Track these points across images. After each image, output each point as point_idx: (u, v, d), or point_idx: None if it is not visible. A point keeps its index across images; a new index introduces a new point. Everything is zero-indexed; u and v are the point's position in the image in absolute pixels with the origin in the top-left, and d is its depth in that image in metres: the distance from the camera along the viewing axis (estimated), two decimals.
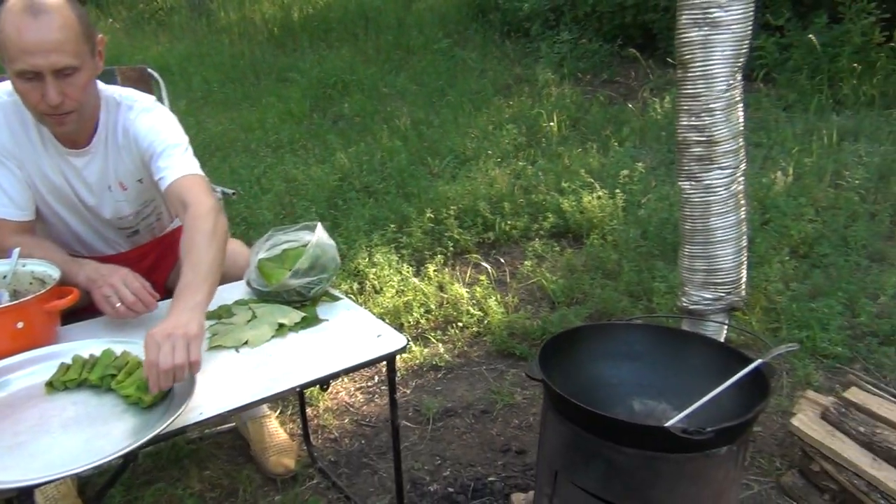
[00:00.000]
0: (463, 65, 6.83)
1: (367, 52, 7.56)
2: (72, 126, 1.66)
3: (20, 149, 1.72)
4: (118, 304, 1.58)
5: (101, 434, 1.29)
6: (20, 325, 1.49)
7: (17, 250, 1.67)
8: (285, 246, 1.87)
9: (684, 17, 1.78)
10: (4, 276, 1.64)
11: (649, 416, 1.72)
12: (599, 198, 3.61)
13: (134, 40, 8.81)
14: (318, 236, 1.79)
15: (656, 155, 4.49)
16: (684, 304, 1.89)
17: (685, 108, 1.80)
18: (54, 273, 1.62)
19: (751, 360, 1.53)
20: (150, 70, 2.56)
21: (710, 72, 1.76)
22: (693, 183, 1.81)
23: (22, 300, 1.51)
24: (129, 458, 1.24)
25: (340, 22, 8.38)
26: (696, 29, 1.76)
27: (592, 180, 3.79)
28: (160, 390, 1.32)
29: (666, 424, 1.47)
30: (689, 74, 1.79)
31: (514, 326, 2.77)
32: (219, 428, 2.29)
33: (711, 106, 1.76)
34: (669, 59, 6.48)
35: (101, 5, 10.88)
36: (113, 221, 1.91)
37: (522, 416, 2.38)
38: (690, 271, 1.87)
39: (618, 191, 3.71)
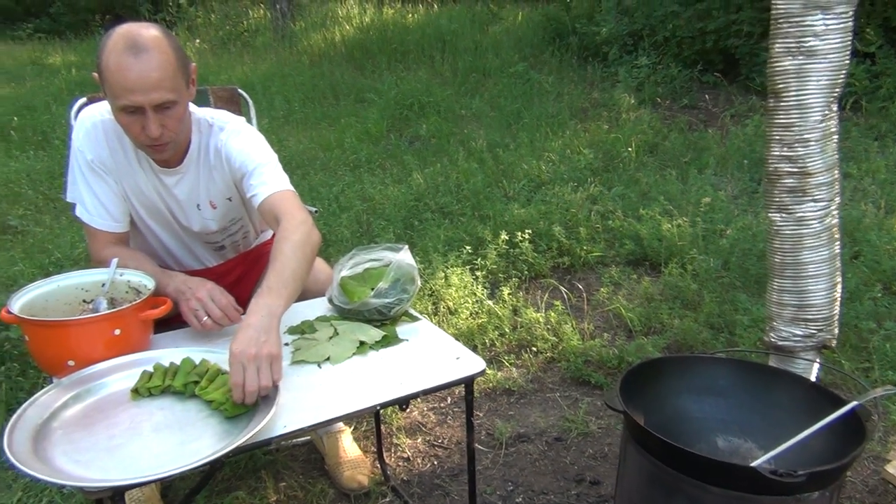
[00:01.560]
0: (539, 88, 6.84)
1: (443, 75, 7.66)
2: (169, 153, 1.74)
3: (118, 165, 1.81)
4: (205, 318, 1.63)
5: (190, 438, 1.33)
6: (117, 331, 1.55)
7: (115, 260, 1.75)
8: (368, 265, 1.89)
9: (777, 45, 1.74)
10: (103, 285, 1.72)
11: (734, 455, 1.67)
12: (679, 226, 3.54)
13: (220, 60, 9.15)
14: (401, 257, 1.81)
15: (738, 183, 4.38)
16: (772, 340, 1.83)
17: (777, 138, 1.76)
18: (149, 283, 1.69)
19: (845, 402, 1.47)
20: (240, 91, 2.66)
21: (804, 102, 1.71)
22: (784, 215, 1.76)
23: (120, 308, 1.58)
24: (216, 465, 1.27)
25: (418, 44, 8.52)
26: (791, 58, 1.71)
27: (672, 207, 3.72)
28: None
29: (753, 464, 1.43)
30: (782, 104, 1.74)
31: (589, 354, 2.74)
32: (294, 440, 2.33)
33: (805, 136, 1.71)
34: (752, 85, 6.35)
35: (191, 28, 11.36)
36: (201, 236, 1.99)
37: (597, 445, 2.34)
38: (779, 306, 1.81)
39: (698, 219, 3.63)
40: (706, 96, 6.54)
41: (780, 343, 1.81)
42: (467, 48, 8.20)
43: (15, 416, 1.33)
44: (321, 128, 6.06)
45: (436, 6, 11.07)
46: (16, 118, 6.39)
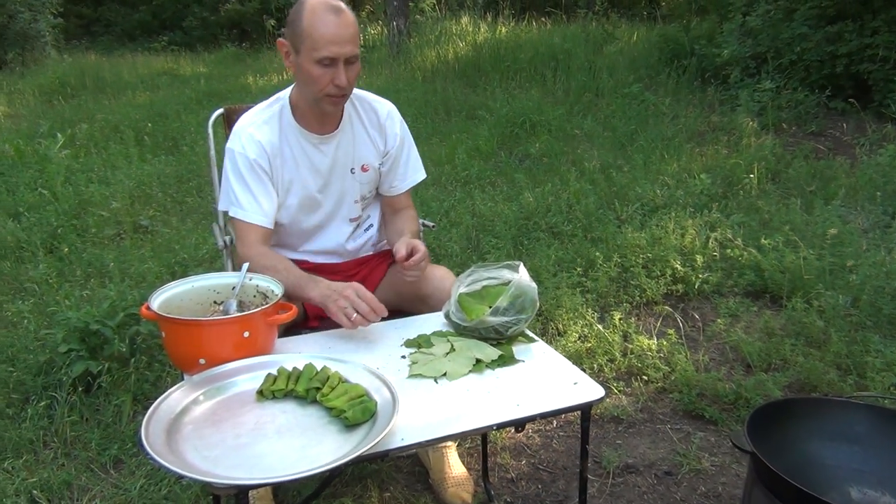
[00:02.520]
0: (654, 110, 6.69)
1: (555, 94, 7.62)
2: (342, 105, 1.97)
3: (280, 154, 1.98)
4: (354, 316, 1.71)
5: (312, 443, 1.35)
6: (246, 334, 1.61)
7: (246, 265, 1.83)
8: (486, 282, 1.88)
9: None
10: (234, 288, 1.79)
11: None
12: (804, 258, 3.36)
13: None
14: (520, 276, 1.79)
15: (869, 216, 4.12)
16: None
17: None
18: (276, 289, 1.75)
19: None
20: None
21: None
22: None
23: (250, 311, 1.64)
24: (335, 472, 1.29)
25: (530, 63, 8.50)
26: None
27: (796, 238, 3.54)
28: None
29: None
30: None
31: (703, 386, 2.63)
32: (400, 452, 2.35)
33: None
34: (887, 113, 6.00)
35: None
36: (346, 210, 2.11)
37: (710, 483, 2.24)
38: None
39: (824, 252, 3.44)
40: (834, 123, 6.22)
41: None
42: (580, 67, 8.12)
43: (151, 410, 1.40)
44: (432, 143, 6.14)
45: (549, 25, 11.06)
46: (150, 124, 6.81)
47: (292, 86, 2.01)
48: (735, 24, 7.85)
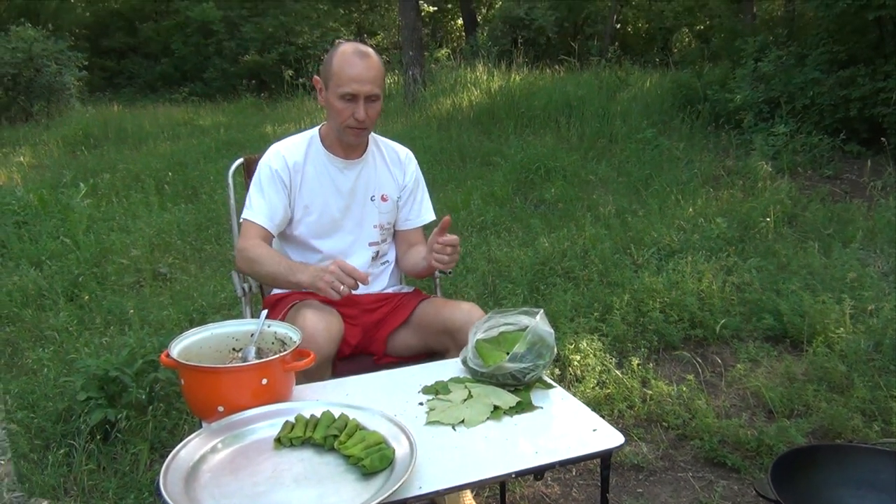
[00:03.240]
0: (668, 155, 6.73)
1: (569, 140, 7.68)
2: (363, 138, 2.17)
3: (302, 172, 2.14)
4: (341, 287, 1.83)
5: (329, 492, 1.34)
6: (264, 381, 1.62)
7: (265, 312, 1.85)
8: (503, 328, 1.89)
9: None
10: (252, 335, 1.80)
11: None
12: (823, 302, 3.33)
13: None
14: (538, 322, 1.79)
15: (889, 259, 4.10)
16: None
17: None
18: (295, 336, 1.76)
19: None
20: None
21: None
22: None
23: (268, 359, 1.65)
24: None
25: (544, 109, 8.60)
26: None
27: (814, 282, 3.52)
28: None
29: None
30: None
31: (725, 433, 2.59)
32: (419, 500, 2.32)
33: None
34: None
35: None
36: (365, 234, 2.23)
37: None
38: None
39: (844, 295, 3.41)
40: (850, 166, 6.22)
41: None
42: (594, 114, 8.20)
43: (169, 458, 1.40)
44: (448, 189, 6.19)
45: (562, 72, 11.21)
46: (170, 173, 6.93)
47: (325, 121, 2.21)
48: (747, 69, 7.93)
